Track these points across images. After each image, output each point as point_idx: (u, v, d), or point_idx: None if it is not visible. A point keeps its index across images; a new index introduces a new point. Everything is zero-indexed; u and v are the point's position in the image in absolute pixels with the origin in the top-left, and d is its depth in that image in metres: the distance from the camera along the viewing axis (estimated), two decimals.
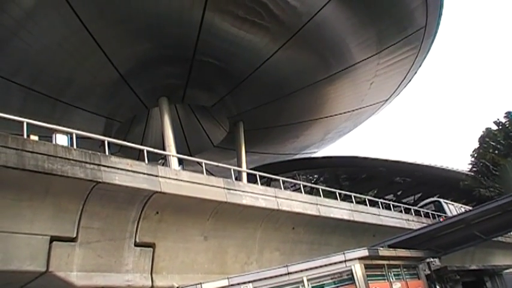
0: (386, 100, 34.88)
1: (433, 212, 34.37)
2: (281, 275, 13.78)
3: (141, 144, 26.11)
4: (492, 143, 38.30)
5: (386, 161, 44.41)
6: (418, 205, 37.76)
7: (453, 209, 37.20)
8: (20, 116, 14.10)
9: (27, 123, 13.75)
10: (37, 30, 20.63)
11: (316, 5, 22.05)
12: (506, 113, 38.33)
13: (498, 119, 38.93)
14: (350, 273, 13.79)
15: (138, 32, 22.48)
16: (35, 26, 20.45)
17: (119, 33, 22.23)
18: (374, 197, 35.52)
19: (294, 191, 24.70)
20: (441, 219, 29.07)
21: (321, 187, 26.84)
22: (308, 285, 13.65)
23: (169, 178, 15.38)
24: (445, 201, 37.89)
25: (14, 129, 13.72)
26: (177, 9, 21.31)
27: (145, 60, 24.60)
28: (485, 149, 38.61)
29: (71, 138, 14.57)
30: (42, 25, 20.49)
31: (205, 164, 19.67)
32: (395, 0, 23.96)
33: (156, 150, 19.70)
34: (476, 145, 40.01)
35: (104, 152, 15.47)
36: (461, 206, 39.18)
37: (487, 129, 39.50)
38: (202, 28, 22.08)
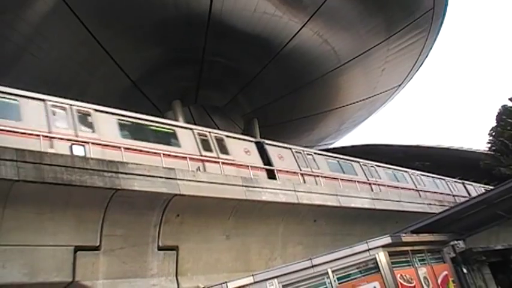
0: (399, 85, 34.63)
1: None
2: (305, 268, 13.71)
3: None
4: (509, 120, 37.93)
5: (403, 146, 44.15)
6: None
7: None
8: None
9: None
10: (47, 44, 20.83)
11: None
12: None
13: None
14: (374, 261, 13.71)
15: (146, 38, 22.58)
16: (44, 41, 20.64)
17: (127, 41, 22.35)
18: None
19: None
20: None
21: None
22: (333, 276, 13.56)
23: (187, 180, 15.37)
24: None
25: None
26: (183, 11, 21.36)
27: (156, 64, 24.71)
28: (502, 126, 38.27)
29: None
30: (51, 39, 20.66)
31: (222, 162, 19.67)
32: None
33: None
34: (494, 123, 39.69)
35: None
36: None
37: (503, 106, 39.14)
38: (209, 27, 22.12)
